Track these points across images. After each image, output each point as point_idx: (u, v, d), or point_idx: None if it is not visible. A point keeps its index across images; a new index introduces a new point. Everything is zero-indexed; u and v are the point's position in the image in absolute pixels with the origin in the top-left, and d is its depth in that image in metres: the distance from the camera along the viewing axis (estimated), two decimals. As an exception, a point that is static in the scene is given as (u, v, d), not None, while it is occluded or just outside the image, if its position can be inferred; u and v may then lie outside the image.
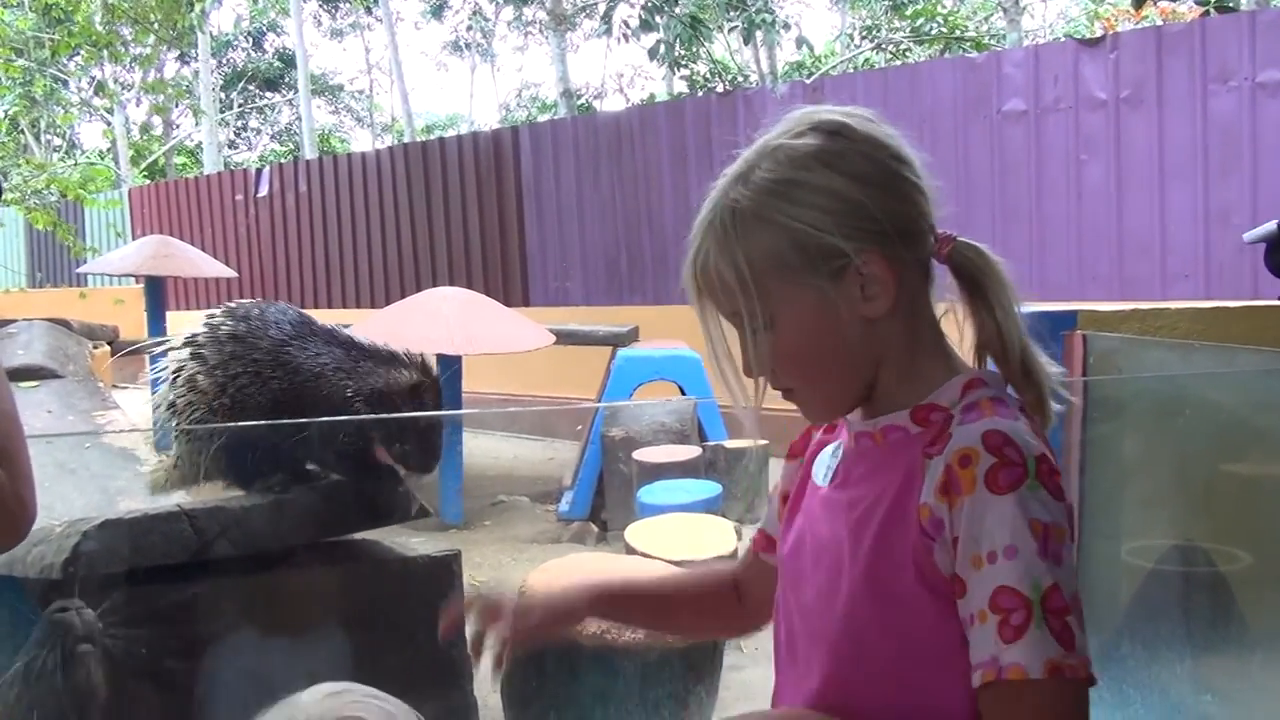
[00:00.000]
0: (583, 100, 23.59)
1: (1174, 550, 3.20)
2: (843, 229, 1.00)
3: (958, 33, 16.49)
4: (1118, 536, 3.27)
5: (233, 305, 2.70)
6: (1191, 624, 3.10)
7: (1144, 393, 3.21)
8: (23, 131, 20.12)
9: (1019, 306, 1.04)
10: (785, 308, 1.02)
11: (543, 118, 22.77)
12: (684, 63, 15.65)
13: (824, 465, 1.15)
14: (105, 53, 10.75)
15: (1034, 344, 1.05)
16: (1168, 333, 3.13)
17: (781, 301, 1.02)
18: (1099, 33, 9.94)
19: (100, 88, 14.56)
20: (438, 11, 25.18)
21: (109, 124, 21.27)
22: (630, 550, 4.13)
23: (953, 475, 0.96)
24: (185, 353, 2.63)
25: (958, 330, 1.09)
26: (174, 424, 2.63)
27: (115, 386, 7.51)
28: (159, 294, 7.83)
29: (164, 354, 2.71)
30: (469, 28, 26.02)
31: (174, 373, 2.62)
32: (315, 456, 2.62)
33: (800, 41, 12.84)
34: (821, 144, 1.02)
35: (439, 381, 2.61)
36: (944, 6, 17.25)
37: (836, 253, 1.00)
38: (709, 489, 5.12)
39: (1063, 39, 13.96)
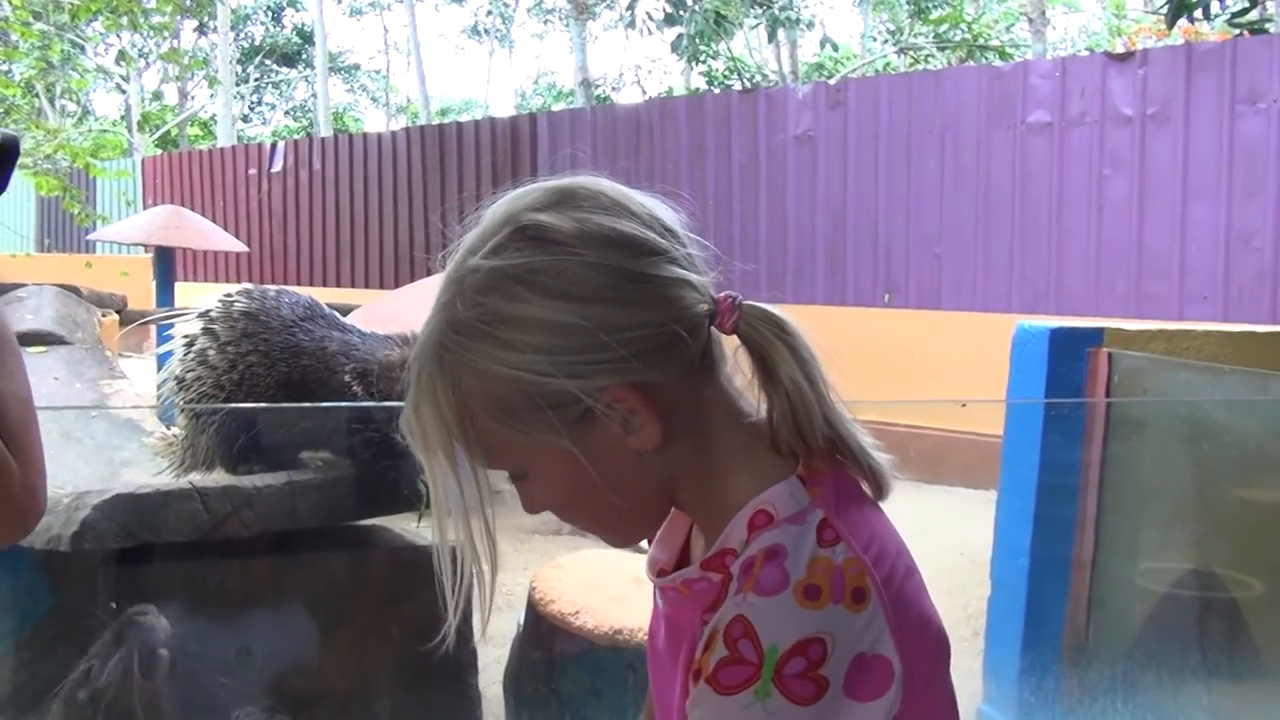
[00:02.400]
0: (600, 90, 23.54)
1: (1188, 575, 3.17)
2: (568, 369, 0.80)
3: (981, 41, 16.42)
4: (1133, 558, 3.24)
5: (249, 287, 2.75)
6: (1204, 650, 3.06)
7: (1168, 413, 3.17)
8: (37, 95, 20.09)
9: (822, 378, 0.87)
10: (534, 463, 0.86)
11: (558, 106, 22.73)
12: (704, 58, 15.59)
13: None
14: (124, 19, 10.70)
15: (844, 415, 0.88)
16: (1194, 354, 3.10)
17: (528, 456, 0.85)
18: (1121, 48, 9.89)
19: (121, 55, 14.51)
20: (459, -5, 25.15)
21: (124, 91, 21.26)
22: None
23: (703, 655, 0.82)
24: (197, 326, 2.64)
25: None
26: (180, 398, 2.63)
27: (122, 355, 7.48)
28: (169, 265, 7.79)
29: (173, 328, 2.73)
30: (489, 13, 25.98)
31: (186, 346, 2.63)
32: (327, 441, 2.61)
33: (825, 41, 12.79)
34: (527, 261, 0.82)
35: None
36: (968, 14, 17.17)
37: (568, 399, 0.81)
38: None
39: (1085, 52, 13.90)
